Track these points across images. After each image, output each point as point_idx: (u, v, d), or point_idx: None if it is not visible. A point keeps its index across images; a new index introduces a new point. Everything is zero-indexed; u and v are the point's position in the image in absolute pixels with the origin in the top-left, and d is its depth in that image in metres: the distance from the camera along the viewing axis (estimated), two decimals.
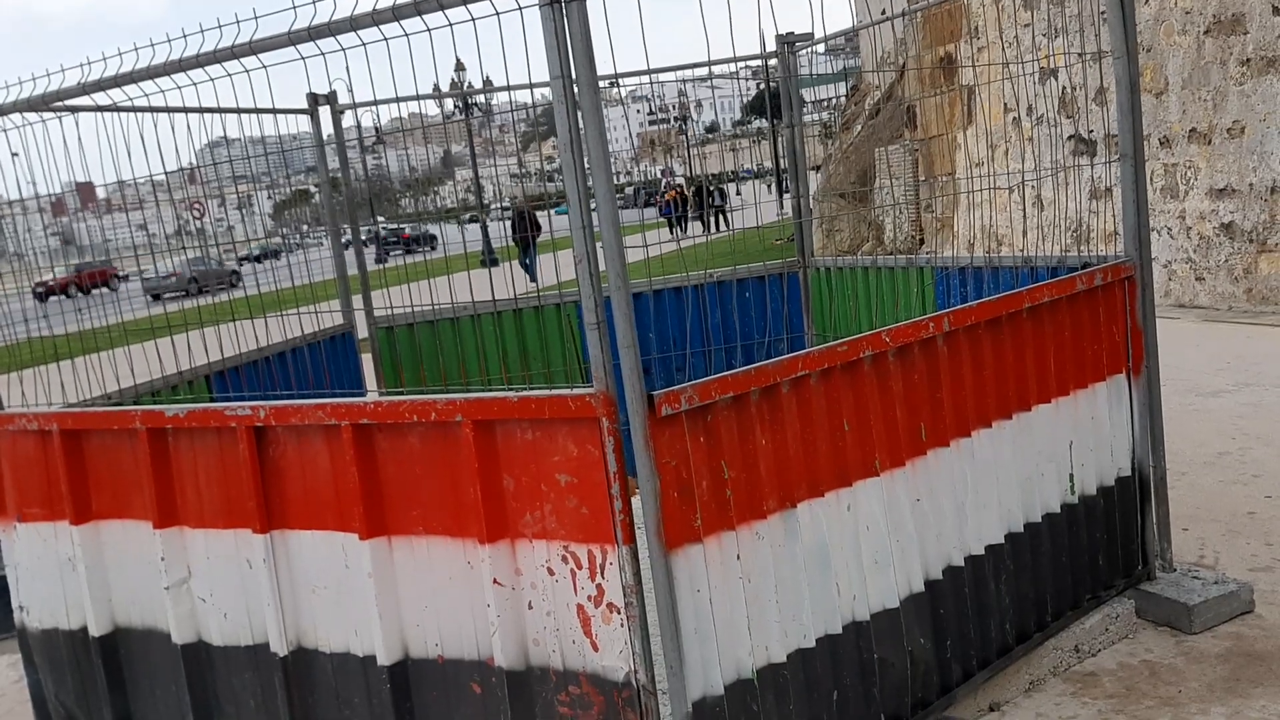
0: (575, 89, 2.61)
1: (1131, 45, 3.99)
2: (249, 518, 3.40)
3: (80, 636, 3.90)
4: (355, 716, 3.36)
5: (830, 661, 3.20)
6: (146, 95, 3.50)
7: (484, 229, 15.18)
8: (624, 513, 2.72)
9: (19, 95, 3.74)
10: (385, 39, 2.96)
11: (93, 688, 3.92)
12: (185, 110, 4.17)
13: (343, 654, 3.35)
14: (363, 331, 6.06)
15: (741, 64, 6.17)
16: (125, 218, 5.95)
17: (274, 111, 4.84)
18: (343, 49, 3.05)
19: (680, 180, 18.37)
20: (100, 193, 5.94)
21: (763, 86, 6.85)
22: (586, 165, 2.64)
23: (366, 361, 6.15)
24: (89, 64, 3.51)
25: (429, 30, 2.85)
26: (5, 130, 3.95)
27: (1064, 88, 11.87)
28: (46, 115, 3.93)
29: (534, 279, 16.19)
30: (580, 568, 2.83)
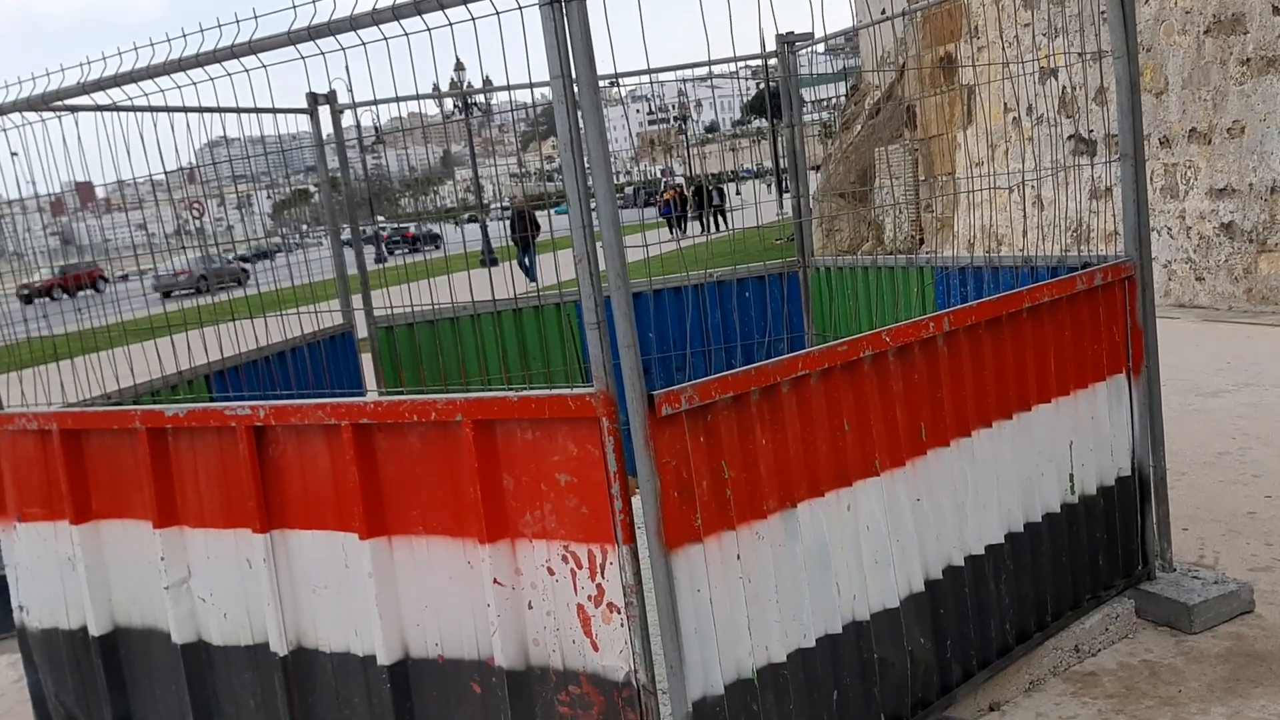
0: (575, 89, 2.61)
1: (1131, 45, 3.99)
2: (249, 517, 3.40)
3: (80, 636, 3.90)
4: (355, 716, 3.36)
5: (830, 661, 3.20)
6: (146, 95, 3.50)
7: (484, 229, 15.18)
8: (624, 512, 2.72)
9: (19, 95, 3.74)
10: (385, 38, 2.96)
11: (93, 687, 3.92)
12: (185, 110, 4.17)
13: (343, 654, 3.35)
14: (363, 331, 6.06)
15: (741, 64, 6.17)
16: (125, 217, 5.95)
17: (274, 111, 4.84)
18: (343, 48, 3.05)
19: (680, 180, 18.38)
20: (100, 192, 5.94)
21: (763, 86, 6.85)
22: (586, 165, 2.64)
23: (366, 361, 6.15)
24: (89, 64, 3.51)
25: (429, 30, 2.85)
26: (5, 130, 3.95)
27: (1064, 87, 11.88)
28: (46, 115, 3.93)
29: (532, 279, 16.18)
30: (580, 567, 2.83)
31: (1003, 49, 12.38)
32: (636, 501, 2.73)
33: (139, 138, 3.94)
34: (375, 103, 5.81)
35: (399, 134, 8.09)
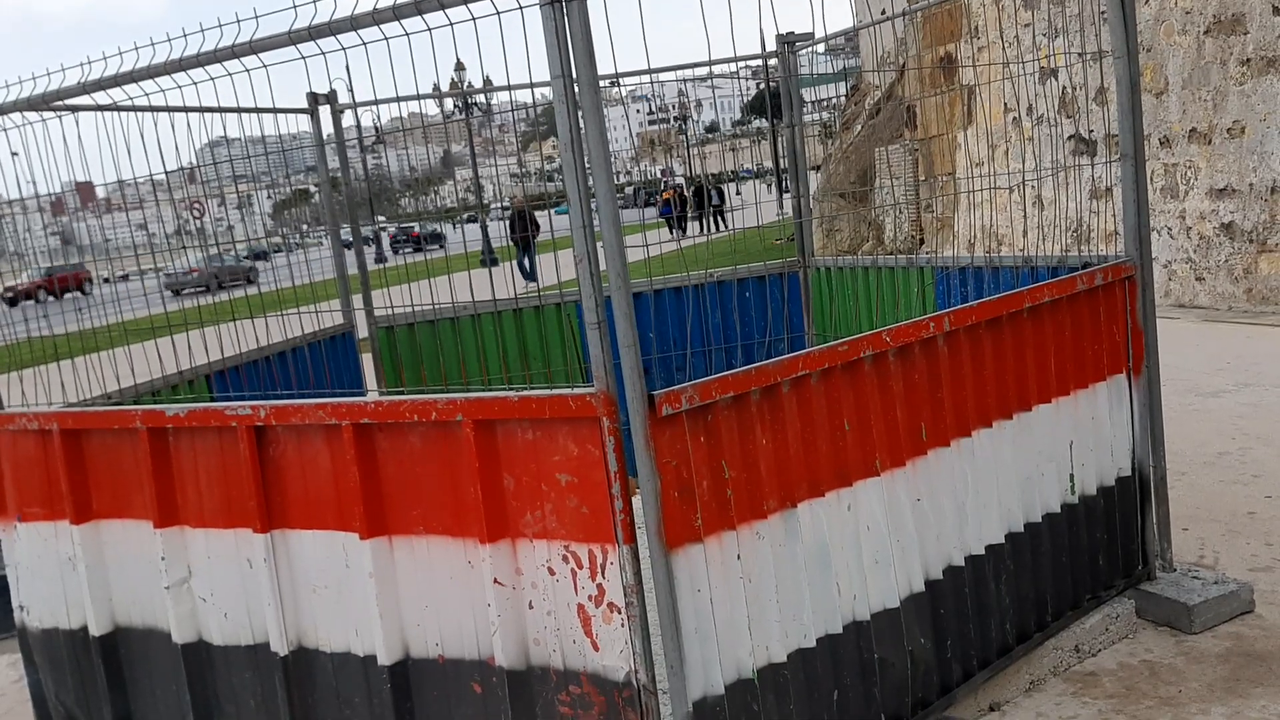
0: (576, 88, 2.61)
1: (1132, 45, 4.00)
2: (249, 517, 3.40)
3: (80, 636, 3.90)
4: (355, 716, 3.36)
5: (831, 661, 3.20)
6: (146, 95, 3.50)
7: (484, 229, 15.18)
8: (624, 512, 2.72)
9: (19, 95, 3.74)
10: (385, 38, 2.96)
11: (93, 687, 3.92)
12: (185, 110, 4.17)
13: (343, 654, 3.35)
14: (363, 331, 6.06)
15: (741, 64, 6.17)
16: (125, 217, 5.95)
17: (274, 111, 4.84)
18: (343, 48, 3.05)
19: (680, 180, 18.38)
20: (100, 192, 5.94)
21: (763, 86, 6.85)
22: (587, 165, 2.64)
23: (366, 361, 6.15)
24: (89, 63, 3.51)
25: (429, 30, 2.86)
26: (5, 130, 3.95)
27: (1064, 88, 11.88)
28: (46, 115, 3.93)
29: (531, 279, 16.19)
30: (581, 567, 2.83)
31: (1003, 49, 12.38)
32: (637, 501, 2.73)
33: (139, 138, 3.94)
34: (375, 103, 5.81)
35: (399, 134, 8.09)
